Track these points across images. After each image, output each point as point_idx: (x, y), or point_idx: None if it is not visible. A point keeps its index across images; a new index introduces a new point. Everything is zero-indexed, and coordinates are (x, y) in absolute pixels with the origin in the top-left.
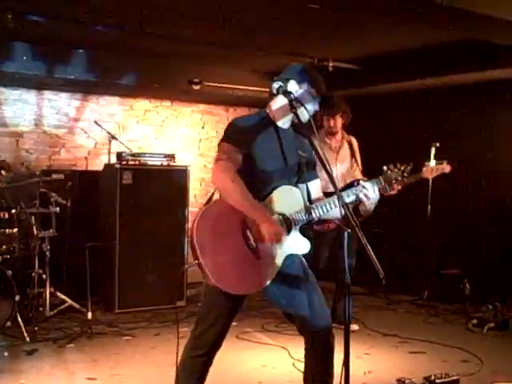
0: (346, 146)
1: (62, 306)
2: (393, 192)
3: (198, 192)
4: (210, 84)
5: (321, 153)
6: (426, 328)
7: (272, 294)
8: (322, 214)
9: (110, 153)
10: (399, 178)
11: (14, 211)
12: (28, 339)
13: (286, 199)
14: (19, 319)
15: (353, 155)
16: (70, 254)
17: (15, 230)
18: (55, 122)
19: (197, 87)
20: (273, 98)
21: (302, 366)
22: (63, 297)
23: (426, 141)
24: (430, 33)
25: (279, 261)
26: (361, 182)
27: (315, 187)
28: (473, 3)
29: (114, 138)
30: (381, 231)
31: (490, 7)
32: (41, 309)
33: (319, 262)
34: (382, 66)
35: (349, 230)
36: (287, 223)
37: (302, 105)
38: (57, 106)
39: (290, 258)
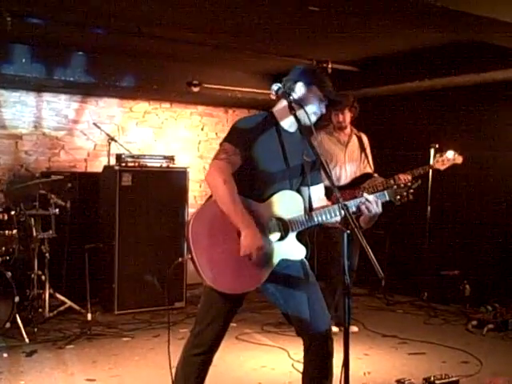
0: (355, 140)
1: (62, 308)
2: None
3: (197, 194)
4: (210, 86)
5: (322, 159)
6: (426, 329)
7: (272, 294)
8: (322, 220)
9: (109, 155)
10: (404, 194)
11: (13, 213)
12: (27, 340)
13: (287, 203)
14: (18, 320)
15: (363, 150)
16: (70, 255)
17: (15, 231)
18: (54, 123)
19: (196, 89)
20: (280, 98)
21: (301, 367)
22: (62, 298)
23: (426, 142)
24: (428, 35)
25: (275, 261)
26: (365, 194)
27: (318, 191)
28: (472, 5)
29: (113, 139)
30: (381, 232)
31: (489, 9)
32: (40, 310)
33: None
34: (380, 68)
35: (348, 231)
36: (284, 227)
37: (302, 107)
38: (56, 108)
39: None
